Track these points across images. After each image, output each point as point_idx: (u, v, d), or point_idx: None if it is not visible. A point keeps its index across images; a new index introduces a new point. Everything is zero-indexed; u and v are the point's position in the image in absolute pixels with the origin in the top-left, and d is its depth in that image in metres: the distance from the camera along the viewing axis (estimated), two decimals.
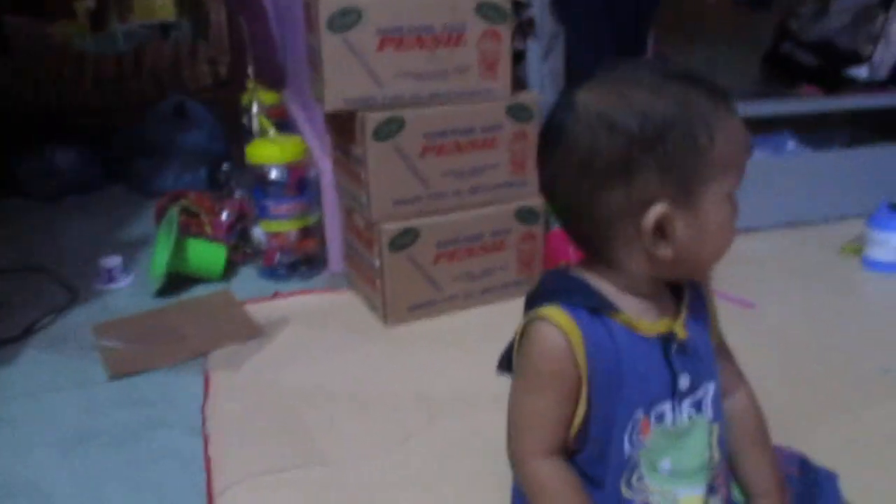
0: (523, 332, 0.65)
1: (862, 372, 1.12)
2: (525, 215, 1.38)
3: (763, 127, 1.86)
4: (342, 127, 1.35)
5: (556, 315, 0.62)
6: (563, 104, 0.62)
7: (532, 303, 0.66)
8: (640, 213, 0.59)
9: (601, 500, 0.66)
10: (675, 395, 0.65)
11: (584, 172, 0.60)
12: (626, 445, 0.65)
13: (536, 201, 1.39)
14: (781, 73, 1.83)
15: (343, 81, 1.24)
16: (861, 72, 1.76)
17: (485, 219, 1.35)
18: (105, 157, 2.33)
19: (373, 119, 1.24)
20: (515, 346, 0.67)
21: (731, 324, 1.28)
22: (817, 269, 1.53)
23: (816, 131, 1.90)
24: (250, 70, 2.10)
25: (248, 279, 1.59)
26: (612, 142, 0.58)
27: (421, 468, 0.94)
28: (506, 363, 0.69)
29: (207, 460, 0.97)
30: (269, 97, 2.09)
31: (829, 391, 1.08)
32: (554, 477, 0.65)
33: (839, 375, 1.12)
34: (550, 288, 0.66)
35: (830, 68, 1.78)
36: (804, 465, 0.77)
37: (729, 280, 1.46)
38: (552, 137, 0.63)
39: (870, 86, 1.79)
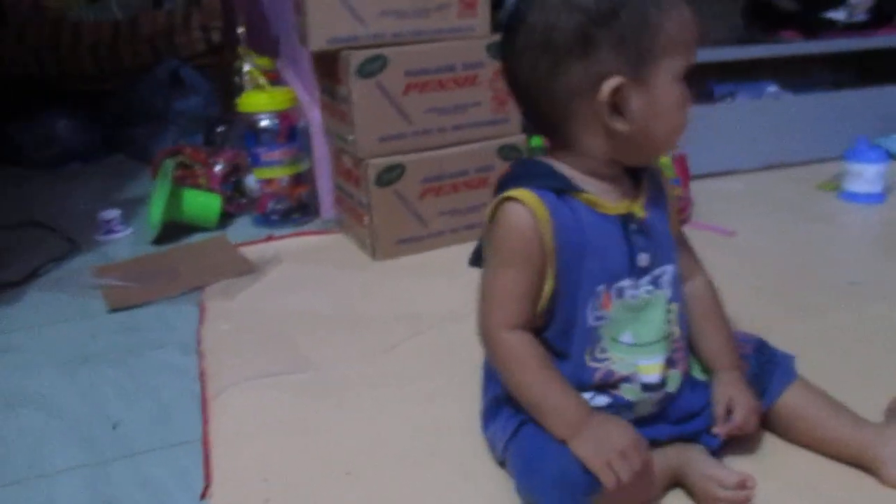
0: (494, 214, 0.70)
1: (831, 284, 1.17)
2: (508, 152, 1.42)
3: (745, 73, 1.89)
4: (328, 69, 1.39)
5: (524, 196, 0.67)
6: None
7: (501, 188, 0.71)
8: (597, 88, 0.64)
9: (567, 370, 0.71)
10: (634, 271, 0.70)
11: (543, 50, 0.65)
12: (589, 318, 0.69)
13: (519, 139, 1.43)
14: (762, 18, 1.86)
15: (326, 21, 1.28)
16: (839, 14, 1.79)
17: (469, 155, 1.40)
18: (103, 125, 2.38)
19: (356, 57, 1.28)
20: (486, 228, 0.71)
21: (711, 248, 1.33)
22: (794, 203, 1.57)
23: (798, 77, 1.94)
24: (241, 33, 2.15)
25: (242, 227, 1.64)
26: (569, 18, 0.63)
27: (404, 369, 0.99)
28: (476, 258, 0.75)
29: (202, 372, 1.02)
30: (262, 61, 2.13)
31: (798, 299, 1.12)
32: (521, 347, 0.70)
33: (809, 287, 1.16)
34: (518, 173, 0.71)
35: (809, 12, 1.81)
36: (761, 345, 0.82)
37: (709, 214, 1.51)
38: (513, 23, 0.67)
39: (849, 28, 1.82)
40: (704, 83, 1.90)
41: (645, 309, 0.71)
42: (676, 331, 0.74)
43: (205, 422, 0.90)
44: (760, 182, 1.73)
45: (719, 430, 0.72)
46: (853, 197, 1.54)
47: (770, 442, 0.78)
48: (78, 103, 2.34)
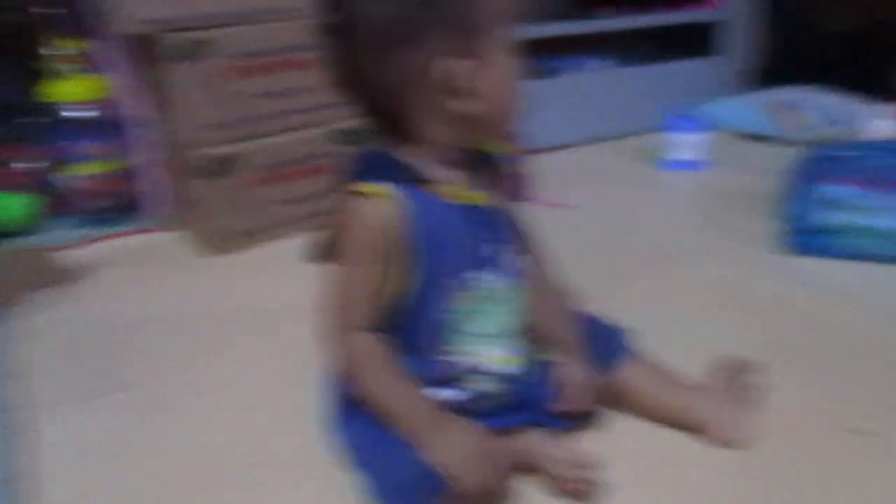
0: (344, 205, 0.66)
1: (662, 246, 1.26)
2: (346, 137, 1.38)
3: (566, 49, 1.95)
4: (144, 54, 1.28)
5: (375, 190, 0.65)
6: None
7: (352, 176, 0.67)
8: (427, 72, 0.62)
9: (414, 365, 0.70)
10: (479, 261, 0.70)
11: (369, 44, 0.62)
12: (435, 311, 0.69)
13: (356, 122, 1.39)
14: None
15: (140, 1, 1.18)
16: None
17: (303, 141, 1.34)
18: None
19: (174, 39, 1.19)
20: (331, 223, 0.68)
21: (545, 221, 1.35)
22: (620, 173, 1.67)
23: (616, 52, 2.03)
24: (43, 12, 1.93)
25: (57, 229, 1.49)
26: (390, 6, 0.60)
27: (235, 372, 0.95)
28: (311, 253, 0.71)
29: (12, 401, 0.92)
30: (69, 44, 1.93)
31: (635, 261, 1.21)
32: (370, 350, 0.68)
33: (644, 249, 1.25)
34: (366, 166, 0.68)
35: None
36: (592, 321, 0.84)
37: (544, 188, 1.55)
38: (335, 21, 0.63)
39: (657, 4, 1.93)
40: (530, 59, 1.94)
41: (489, 299, 0.72)
42: (520, 319, 0.76)
43: (16, 459, 0.81)
44: (588, 154, 1.81)
45: (558, 404, 0.75)
46: (671, 164, 1.65)
47: (609, 414, 0.82)
48: None
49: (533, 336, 0.80)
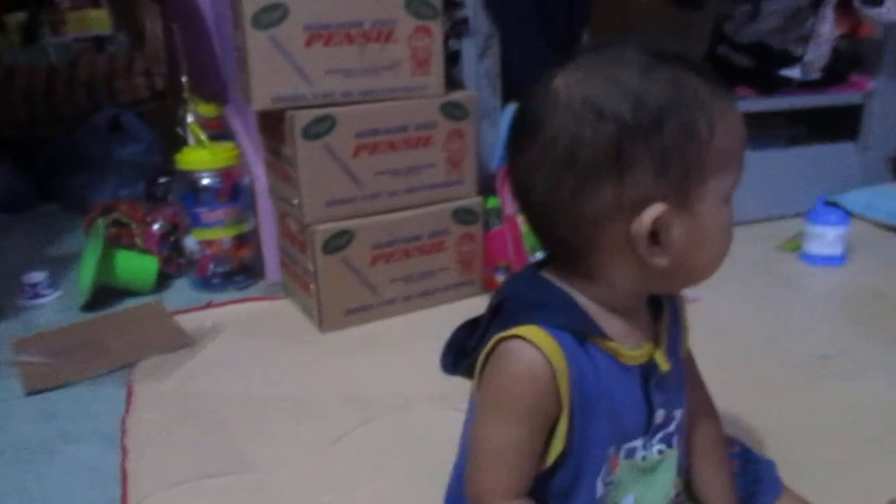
0: (493, 351, 0.56)
1: (802, 359, 1.12)
2: (463, 215, 1.36)
3: None
4: (273, 128, 1.31)
5: (538, 337, 0.54)
6: (541, 90, 0.54)
7: (504, 314, 0.57)
8: (632, 215, 0.52)
9: None
10: (649, 430, 0.60)
11: (566, 167, 0.52)
12: (599, 485, 0.58)
13: (474, 201, 1.37)
14: (718, 75, 1.85)
15: (271, 79, 1.21)
16: (794, 72, 1.79)
17: (422, 219, 1.32)
18: (36, 173, 2.25)
19: (302, 117, 1.21)
20: (480, 364, 0.58)
21: None
22: (758, 265, 1.53)
23: (755, 132, 1.92)
24: (184, 80, 2.05)
25: (181, 291, 1.54)
26: (600, 130, 0.50)
27: (351, 469, 0.90)
28: (451, 363, 0.62)
29: (124, 472, 0.91)
30: (207, 109, 2.04)
31: (769, 378, 1.07)
32: None
33: (780, 362, 1.11)
34: (528, 300, 0.57)
35: (764, 69, 1.80)
36: (745, 458, 0.75)
37: None
38: (528, 128, 0.54)
39: (804, 86, 1.82)
40: None
41: (654, 470, 0.61)
42: (679, 484, 0.66)
43: None
44: None
45: None
46: (814, 259, 1.51)
47: None
48: (9, 150, 2.21)
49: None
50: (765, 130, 1.94)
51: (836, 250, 1.50)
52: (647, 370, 0.58)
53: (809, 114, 1.87)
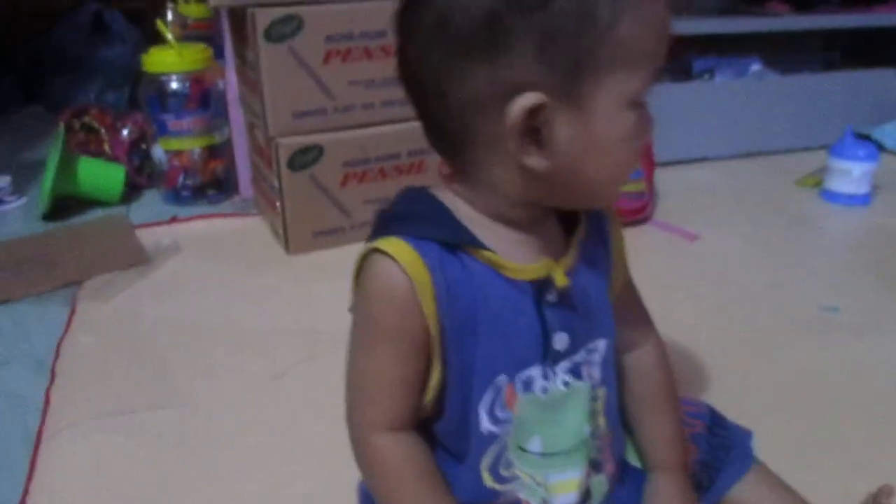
0: (360, 266, 0.50)
1: (801, 311, 1.00)
2: None
3: (729, 48, 1.71)
4: (239, 30, 1.18)
5: (398, 250, 0.47)
6: None
7: (373, 231, 0.51)
8: (506, 104, 0.44)
9: (463, 481, 0.52)
10: (548, 357, 0.51)
11: (436, 37, 0.45)
12: (485, 420, 0.50)
13: None
14: None
15: None
16: None
17: (400, 136, 1.20)
18: (20, 73, 2.15)
19: (264, 16, 1.08)
20: (352, 282, 0.52)
21: (668, 257, 1.15)
22: (770, 201, 1.40)
23: (786, 54, 1.75)
24: None
25: (150, 204, 1.45)
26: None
27: (289, 408, 0.82)
28: None
29: (46, 401, 0.84)
30: (193, 9, 1.90)
31: (761, 332, 0.96)
32: (399, 459, 0.51)
33: (775, 315, 1.00)
34: (396, 212, 0.52)
35: None
36: (713, 422, 0.65)
37: (673, 211, 1.34)
38: (415, 9, 0.46)
39: (845, 4, 1.64)
40: (682, 57, 1.71)
41: (561, 406, 0.52)
42: (603, 423, 0.56)
43: (29, 478, 0.73)
44: (735, 172, 1.56)
45: None
46: (835, 198, 1.38)
47: None
48: None
49: (625, 431, 0.61)
50: (797, 54, 1.77)
51: (862, 189, 1.36)
52: (541, 285, 0.50)
53: (849, 36, 1.70)
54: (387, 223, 0.50)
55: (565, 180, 0.47)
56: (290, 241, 1.19)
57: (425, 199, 0.51)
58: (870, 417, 0.78)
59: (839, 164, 1.37)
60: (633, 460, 0.62)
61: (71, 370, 0.91)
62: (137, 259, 1.17)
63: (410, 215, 0.50)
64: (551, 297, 0.50)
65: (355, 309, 0.51)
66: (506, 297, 0.49)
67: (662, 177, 1.41)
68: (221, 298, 1.08)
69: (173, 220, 1.34)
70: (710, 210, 1.36)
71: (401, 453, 0.51)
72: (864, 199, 1.37)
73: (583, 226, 0.54)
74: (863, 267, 1.14)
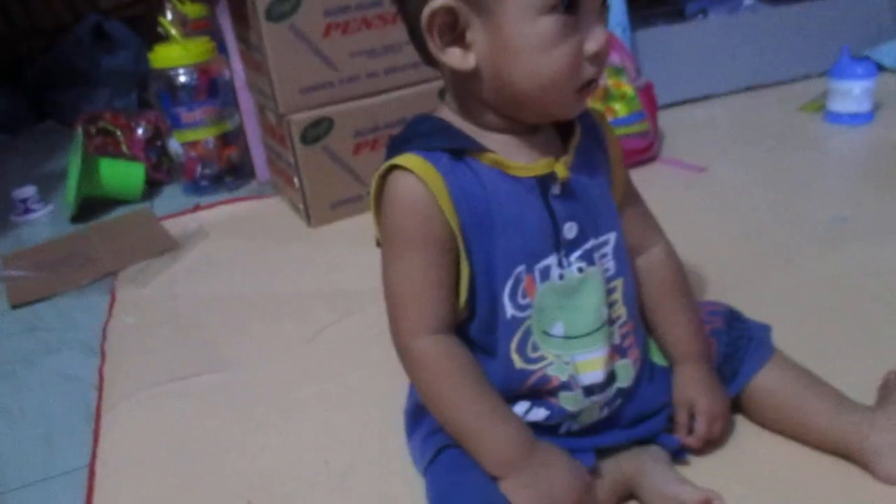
0: (379, 188, 0.55)
1: (814, 222, 1.03)
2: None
3: None
4: (241, 15, 1.22)
5: (410, 162, 0.53)
6: None
7: (391, 150, 0.56)
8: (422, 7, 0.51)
9: (496, 372, 0.57)
10: (560, 245, 0.56)
11: None
12: (510, 308, 0.56)
13: None
14: None
15: None
16: None
17: (405, 101, 1.24)
18: (28, 91, 2.20)
19: None
20: (372, 205, 0.57)
21: (679, 189, 1.18)
22: (775, 129, 1.42)
23: None
24: None
25: (172, 197, 1.50)
26: None
27: (328, 362, 0.86)
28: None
29: (101, 378, 0.89)
30: (191, 9, 1.94)
31: (777, 243, 0.98)
32: (442, 357, 0.55)
33: (788, 228, 1.02)
34: (404, 134, 0.57)
35: None
36: (732, 318, 0.68)
37: (679, 148, 1.36)
38: None
39: None
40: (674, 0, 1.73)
41: (578, 291, 0.57)
42: (623, 312, 0.61)
43: (95, 443, 0.78)
44: (738, 106, 1.57)
45: (681, 440, 0.60)
46: (838, 118, 1.39)
47: (742, 430, 0.65)
48: None
49: (647, 330, 0.65)
50: None
51: (864, 107, 1.38)
52: (545, 180, 0.55)
53: None
54: (397, 145, 0.55)
55: (495, 86, 0.52)
56: (311, 214, 1.23)
57: (428, 119, 0.57)
58: (885, 310, 0.81)
59: (839, 84, 1.38)
60: (660, 361, 0.66)
61: (119, 348, 0.95)
62: (168, 245, 1.22)
63: (417, 134, 0.56)
64: (556, 189, 0.55)
65: (382, 226, 0.56)
66: (514, 193, 0.54)
67: (666, 118, 1.43)
68: (252, 272, 1.12)
69: (197, 207, 1.38)
70: (716, 144, 1.38)
71: (444, 352, 0.55)
72: (867, 117, 1.38)
73: (578, 132, 0.58)
74: (869, 180, 1.16)
